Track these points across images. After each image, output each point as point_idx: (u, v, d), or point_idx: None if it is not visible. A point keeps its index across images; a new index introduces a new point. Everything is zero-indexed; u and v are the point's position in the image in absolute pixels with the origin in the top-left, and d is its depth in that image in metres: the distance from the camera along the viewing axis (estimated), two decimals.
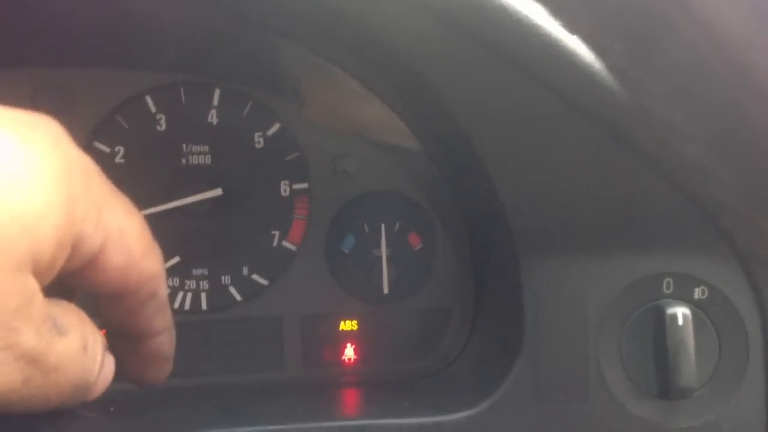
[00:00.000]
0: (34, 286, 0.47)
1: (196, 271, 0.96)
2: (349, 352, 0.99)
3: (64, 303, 0.54)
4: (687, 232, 0.77)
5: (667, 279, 0.78)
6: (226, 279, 0.97)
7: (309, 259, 0.97)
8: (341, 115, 0.98)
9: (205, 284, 0.96)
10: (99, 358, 0.56)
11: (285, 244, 0.98)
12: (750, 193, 0.30)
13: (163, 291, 0.64)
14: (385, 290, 0.98)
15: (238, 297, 0.97)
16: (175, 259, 0.95)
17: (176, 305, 0.96)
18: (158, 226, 0.94)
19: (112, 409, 0.87)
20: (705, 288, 0.78)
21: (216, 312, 0.97)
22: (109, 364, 0.59)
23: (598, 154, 0.73)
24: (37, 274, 0.48)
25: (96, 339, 0.56)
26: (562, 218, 0.78)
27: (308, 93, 0.98)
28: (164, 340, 0.68)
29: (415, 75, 0.75)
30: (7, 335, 0.46)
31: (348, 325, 0.99)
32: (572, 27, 0.32)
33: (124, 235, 0.55)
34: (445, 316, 1.00)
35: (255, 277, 0.97)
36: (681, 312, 0.76)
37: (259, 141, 0.97)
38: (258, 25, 0.85)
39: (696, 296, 0.78)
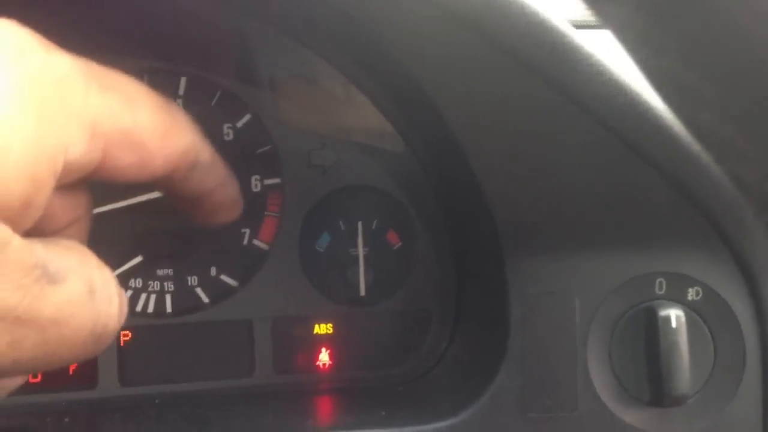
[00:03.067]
0: (4, 235, 0.40)
1: (161, 272, 0.90)
2: (324, 357, 0.94)
3: (61, 242, 0.46)
4: (681, 230, 0.73)
5: (659, 279, 0.74)
6: (192, 280, 0.91)
7: (281, 259, 0.92)
8: (320, 108, 0.93)
9: (170, 285, 0.91)
10: (113, 299, 0.48)
11: (256, 242, 0.92)
12: None
13: (205, 155, 0.58)
14: (362, 292, 0.93)
15: (205, 299, 0.91)
16: (138, 259, 0.89)
17: (139, 308, 0.90)
18: (119, 224, 0.89)
19: (66, 420, 0.81)
20: (699, 288, 0.74)
21: (182, 315, 0.91)
22: (124, 303, 0.51)
23: (589, 148, 0.69)
24: (9, 219, 0.40)
25: (106, 278, 0.48)
26: (549, 215, 0.74)
27: (284, 82, 0.93)
28: (223, 191, 0.63)
29: (397, 63, 0.71)
30: None
31: (322, 329, 0.93)
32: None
33: (129, 134, 0.48)
34: (426, 318, 0.95)
35: (223, 277, 0.92)
36: (674, 314, 0.72)
37: (228, 133, 0.92)
38: (233, 7, 0.80)
39: (690, 297, 0.74)
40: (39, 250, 0.43)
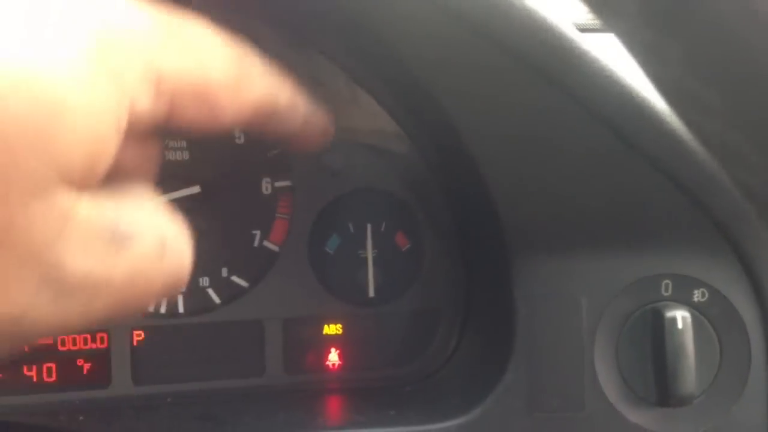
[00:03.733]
0: (67, 202, 0.37)
1: None
2: (333, 358, 0.95)
3: (131, 194, 0.43)
4: (687, 232, 0.74)
5: (665, 280, 0.75)
6: (204, 281, 0.92)
7: (291, 260, 0.93)
8: (329, 110, 0.94)
9: None
10: (184, 251, 0.47)
11: (266, 244, 0.93)
12: None
13: (284, 101, 0.54)
14: (371, 293, 0.94)
15: (216, 300, 0.93)
16: None
17: (152, 308, 0.91)
18: None
19: (81, 418, 0.83)
20: (705, 290, 0.75)
21: (193, 315, 0.92)
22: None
23: (596, 150, 0.70)
24: (74, 182, 0.37)
25: (177, 230, 0.46)
26: (556, 216, 0.75)
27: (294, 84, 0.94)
28: (309, 128, 0.61)
29: (404, 66, 0.72)
30: (45, 272, 0.36)
31: (332, 329, 0.95)
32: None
33: (198, 88, 0.45)
34: (434, 319, 0.96)
35: (235, 278, 0.93)
36: (680, 315, 0.72)
37: (239, 136, 0.93)
38: (243, 11, 0.81)
39: (696, 298, 0.75)
40: (108, 210, 0.40)
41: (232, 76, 0.48)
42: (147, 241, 0.42)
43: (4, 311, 0.37)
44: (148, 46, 0.42)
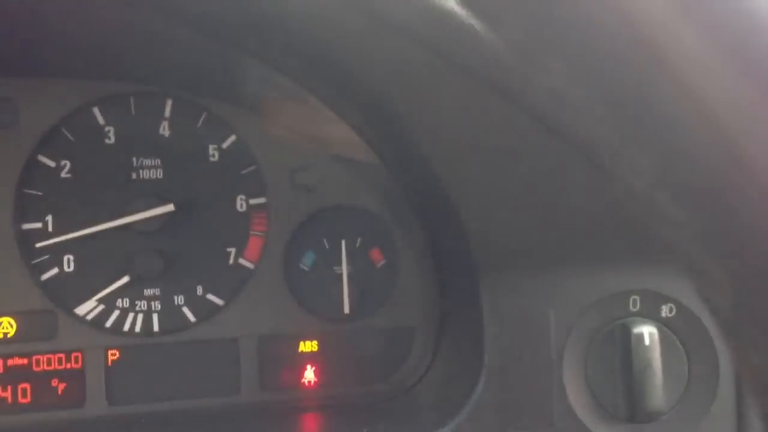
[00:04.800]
0: None
1: (148, 291, 0.92)
2: (309, 375, 0.95)
3: None
4: (654, 249, 0.74)
5: (633, 296, 0.75)
6: (179, 299, 0.92)
7: (266, 278, 0.93)
8: (300, 130, 0.95)
9: (156, 305, 0.92)
10: None
11: (241, 261, 0.94)
12: (704, 234, 0.28)
13: None
14: (347, 309, 0.94)
15: (191, 318, 0.93)
16: (125, 279, 0.90)
17: (126, 327, 0.91)
18: (106, 244, 0.91)
19: None
20: (672, 305, 0.75)
21: (169, 334, 0.92)
22: None
23: (562, 169, 0.71)
24: None
25: None
26: (523, 234, 0.75)
27: (265, 105, 0.94)
28: None
29: (371, 89, 0.72)
30: None
31: (308, 346, 0.95)
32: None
33: None
34: (409, 335, 0.96)
35: (210, 296, 0.93)
36: (647, 331, 0.73)
37: (213, 154, 0.93)
38: (212, 35, 0.82)
39: (663, 314, 0.75)
40: None
41: None
42: None
43: None
44: None
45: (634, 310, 0.75)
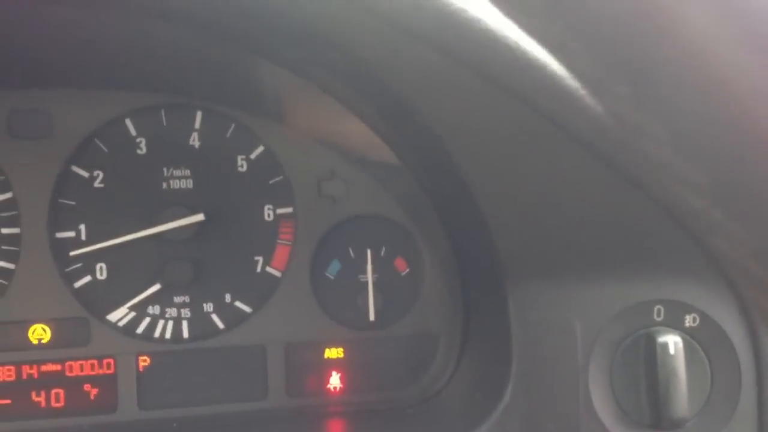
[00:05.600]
0: None
1: (178, 299, 0.94)
2: (335, 381, 0.97)
3: None
4: (678, 259, 0.76)
5: (658, 306, 0.77)
6: (208, 306, 0.94)
7: (293, 286, 0.95)
8: (327, 139, 0.97)
9: (186, 312, 0.94)
10: None
11: (269, 270, 0.96)
12: (760, 251, 0.29)
13: None
14: (372, 317, 0.96)
15: (220, 325, 0.95)
16: (156, 287, 0.92)
17: (157, 334, 0.93)
18: (138, 253, 0.93)
19: None
20: (696, 315, 0.77)
21: (198, 340, 0.94)
22: None
23: (588, 180, 0.72)
24: None
25: None
26: (550, 244, 0.77)
27: (292, 115, 0.96)
28: None
29: (400, 98, 0.74)
30: None
31: (333, 353, 0.97)
32: (568, 62, 0.31)
33: None
34: (434, 342, 0.98)
35: (238, 304, 0.95)
36: (672, 340, 0.74)
37: (242, 164, 0.95)
38: (239, 46, 0.84)
39: (687, 323, 0.77)
40: None
41: None
42: None
43: None
44: None
45: (659, 319, 0.77)
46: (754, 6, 0.28)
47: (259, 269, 0.96)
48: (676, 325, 0.77)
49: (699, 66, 0.27)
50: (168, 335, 0.94)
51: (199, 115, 0.94)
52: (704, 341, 0.77)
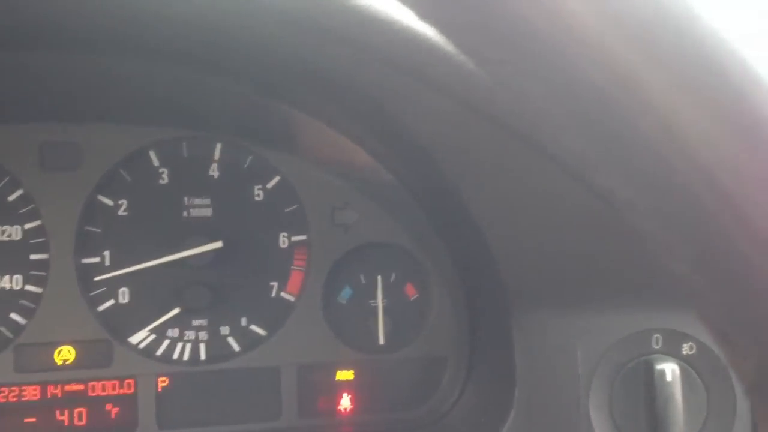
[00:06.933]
0: None
1: (196, 322, 0.98)
2: (346, 402, 1.00)
3: None
4: (675, 290, 0.79)
5: (656, 335, 0.81)
6: (225, 329, 0.98)
7: (306, 310, 0.99)
8: (339, 169, 1.01)
9: (204, 335, 0.98)
10: None
11: (283, 295, 1.00)
12: (736, 318, 0.33)
13: None
14: (381, 340, 1.00)
15: (236, 347, 0.99)
16: (175, 310, 0.97)
17: (175, 356, 0.97)
18: (159, 278, 0.98)
19: None
20: (693, 344, 0.80)
21: (214, 362, 0.98)
22: None
23: (589, 214, 0.76)
24: None
25: None
26: (553, 273, 0.81)
27: (306, 147, 1.01)
28: None
29: (410, 138, 0.78)
30: None
31: (344, 375, 1.00)
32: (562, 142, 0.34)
33: None
34: (441, 365, 1.01)
35: (253, 327, 0.99)
36: (669, 368, 0.78)
37: (258, 194, 1.00)
38: (256, 89, 0.89)
39: (684, 351, 0.80)
40: None
41: None
42: None
43: None
44: None
45: (657, 347, 0.80)
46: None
47: (273, 294, 1.00)
48: (673, 353, 0.80)
49: (674, 143, 0.30)
50: (186, 357, 0.98)
51: (218, 146, 0.99)
52: (701, 369, 0.80)
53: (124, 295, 0.96)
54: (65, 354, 0.95)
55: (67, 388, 0.95)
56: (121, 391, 0.96)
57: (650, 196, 0.32)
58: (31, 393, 0.94)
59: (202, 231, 0.97)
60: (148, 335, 0.97)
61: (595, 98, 0.30)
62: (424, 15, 0.33)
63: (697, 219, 0.31)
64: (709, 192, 0.30)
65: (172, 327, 0.97)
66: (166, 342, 0.97)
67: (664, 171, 0.31)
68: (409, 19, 0.64)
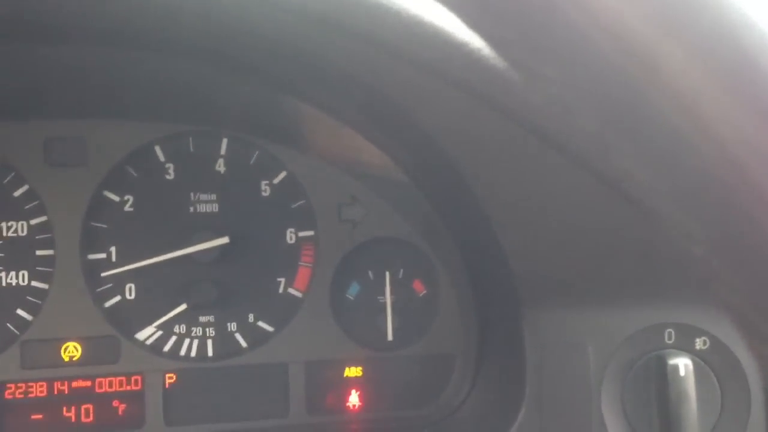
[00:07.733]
0: None
1: (203, 318, 0.97)
2: (354, 399, 0.99)
3: None
4: (688, 283, 0.78)
5: (668, 329, 0.79)
6: (232, 326, 0.98)
7: (314, 306, 0.99)
8: (346, 164, 1.00)
9: (211, 331, 0.97)
10: None
11: (291, 291, 0.99)
12: (756, 300, 0.32)
13: None
14: (390, 337, 0.99)
15: (243, 344, 0.98)
16: (182, 306, 0.96)
17: (183, 352, 0.97)
18: (166, 274, 0.97)
19: None
20: (706, 338, 0.79)
21: (222, 359, 0.97)
22: None
23: (601, 208, 0.75)
24: None
25: None
26: (564, 268, 0.80)
27: (313, 142, 1.00)
28: None
29: (420, 131, 0.77)
30: None
31: (353, 372, 0.99)
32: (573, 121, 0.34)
33: None
34: (450, 362, 1.00)
35: (261, 323, 0.98)
36: (682, 363, 0.76)
37: (265, 189, 0.99)
38: (264, 82, 0.88)
39: (697, 346, 0.79)
40: None
41: None
42: None
43: None
44: None
45: (670, 342, 0.79)
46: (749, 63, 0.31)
47: (281, 290, 0.99)
48: (686, 348, 0.79)
49: (693, 121, 0.29)
50: (193, 353, 0.97)
51: (224, 142, 0.99)
52: (714, 364, 0.79)
53: (130, 291, 0.96)
54: (72, 350, 0.94)
55: (74, 384, 0.95)
56: (129, 388, 0.96)
57: (669, 175, 0.31)
58: (38, 390, 0.94)
59: (209, 227, 0.96)
60: (155, 331, 0.96)
61: (614, 76, 0.29)
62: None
63: (717, 198, 0.30)
64: (728, 170, 0.29)
65: (179, 323, 0.97)
66: (174, 338, 0.97)
67: (683, 149, 0.30)
68: (419, 9, 0.63)
